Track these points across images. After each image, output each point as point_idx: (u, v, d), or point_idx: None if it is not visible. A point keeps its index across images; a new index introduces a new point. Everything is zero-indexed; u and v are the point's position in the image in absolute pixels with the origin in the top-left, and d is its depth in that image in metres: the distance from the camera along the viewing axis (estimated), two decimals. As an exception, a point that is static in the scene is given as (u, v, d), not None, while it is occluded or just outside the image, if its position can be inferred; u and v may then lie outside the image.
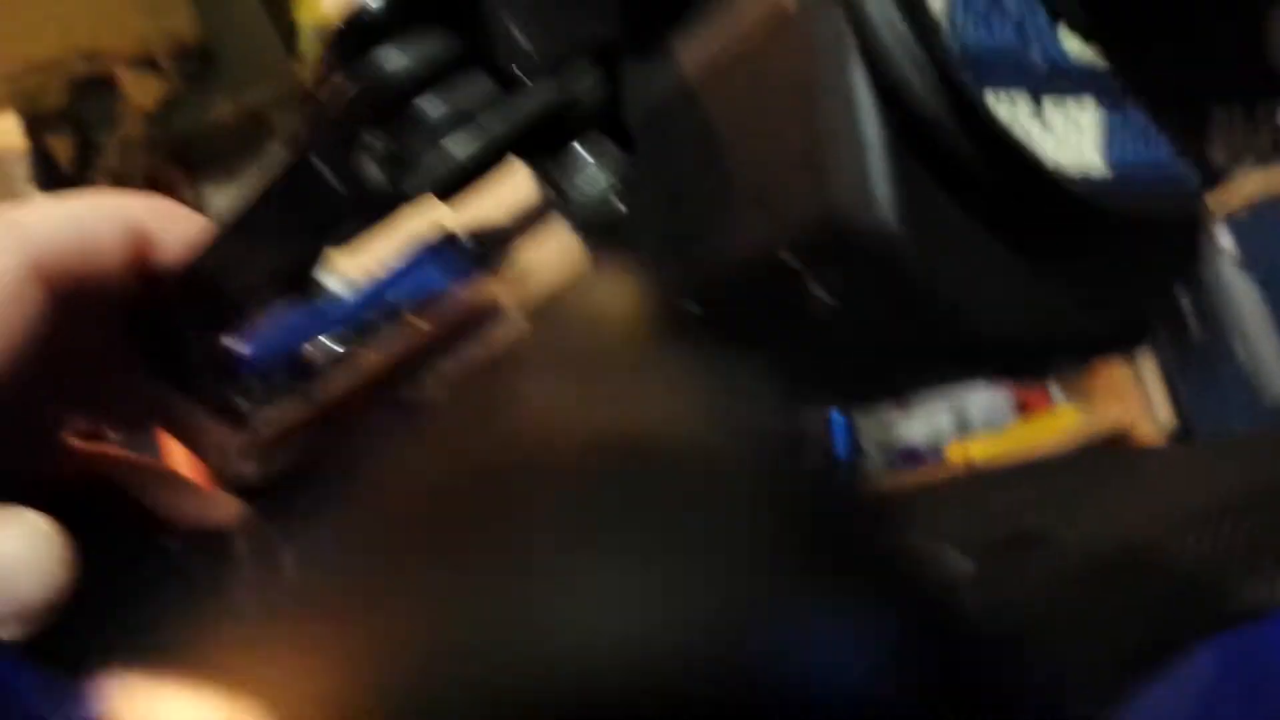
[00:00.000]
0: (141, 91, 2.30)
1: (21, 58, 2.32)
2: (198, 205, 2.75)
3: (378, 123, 0.33)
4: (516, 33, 0.33)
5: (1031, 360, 0.28)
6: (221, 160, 2.65)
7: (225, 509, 0.38)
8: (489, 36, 0.33)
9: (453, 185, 0.34)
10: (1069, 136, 0.25)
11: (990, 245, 0.26)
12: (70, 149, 2.42)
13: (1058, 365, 0.32)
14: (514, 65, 0.33)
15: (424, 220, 0.33)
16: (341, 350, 0.28)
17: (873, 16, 0.24)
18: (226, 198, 2.74)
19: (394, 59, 0.32)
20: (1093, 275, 0.26)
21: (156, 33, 2.23)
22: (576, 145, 0.35)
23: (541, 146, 0.36)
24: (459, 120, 0.33)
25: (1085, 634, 0.54)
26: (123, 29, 2.25)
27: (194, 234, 0.37)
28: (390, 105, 0.32)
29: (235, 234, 0.34)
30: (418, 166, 0.33)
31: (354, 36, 0.32)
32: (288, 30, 2.53)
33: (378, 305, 0.26)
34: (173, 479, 0.40)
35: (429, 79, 0.32)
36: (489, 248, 0.29)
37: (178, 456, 0.42)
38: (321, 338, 0.26)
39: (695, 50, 0.29)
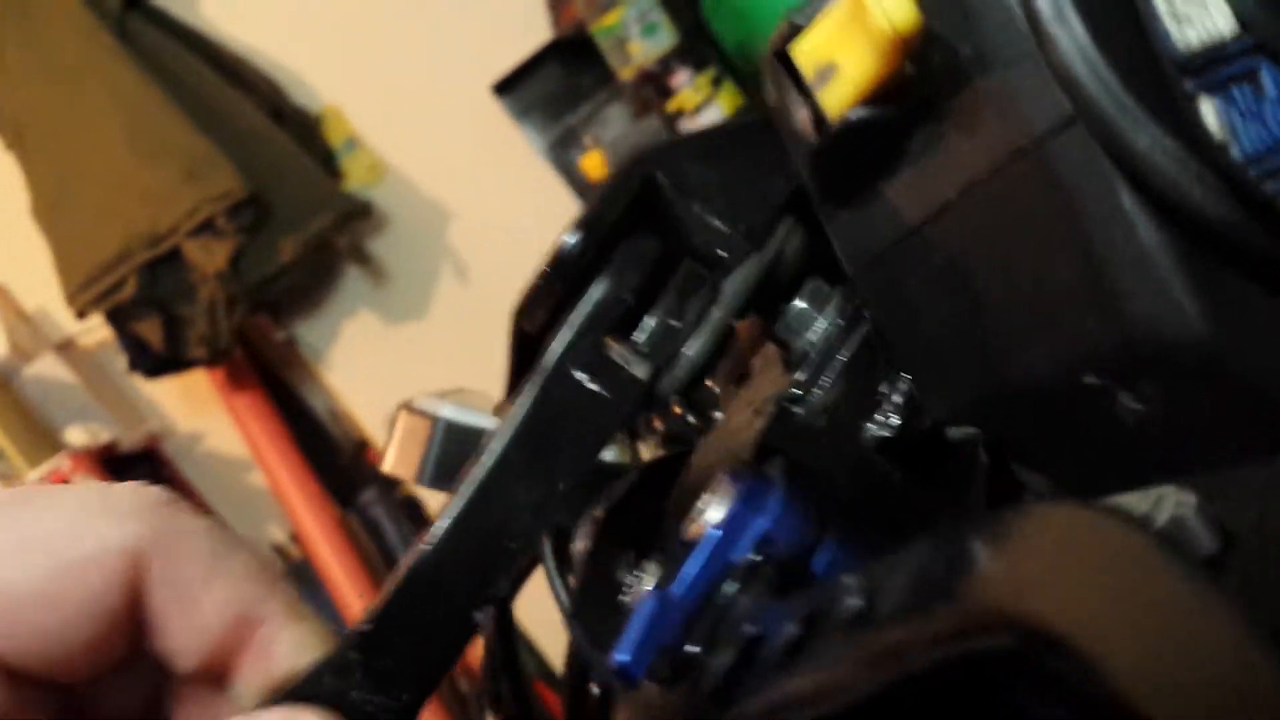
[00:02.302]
0: (208, 257, 2.35)
1: (92, 262, 2.39)
2: (290, 343, 2.82)
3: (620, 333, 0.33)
4: (710, 218, 0.33)
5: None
6: (300, 294, 2.71)
7: None
8: (684, 228, 0.33)
9: (693, 382, 0.34)
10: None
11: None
12: (158, 330, 2.48)
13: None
14: (715, 249, 0.33)
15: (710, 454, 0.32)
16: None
17: (1138, 142, 0.23)
18: (315, 329, 2.80)
19: (609, 284, 0.32)
20: None
21: (208, 198, 2.28)
22: (797, 301, 0.35)
23: (761, 308, 0.36)
24: (680, 321, 0.33)
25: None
26: (176, 205, 2.30)
27: (204, 549, 0.31)
28: (617, 318, 0.32)
29: (488, 492, 0.32)
30: (661, 375, 0.33)
31: (562, 273, 0.32)
32: (324, 156, 2.58)
33: (725, 567, 0.26)
34: None
35: (643, 291, 0.32)
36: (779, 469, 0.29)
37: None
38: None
39: (918, 199, 0.29)
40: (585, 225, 0.31)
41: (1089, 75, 0.23)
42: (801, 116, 0.30)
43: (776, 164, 0.33)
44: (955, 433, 0.33)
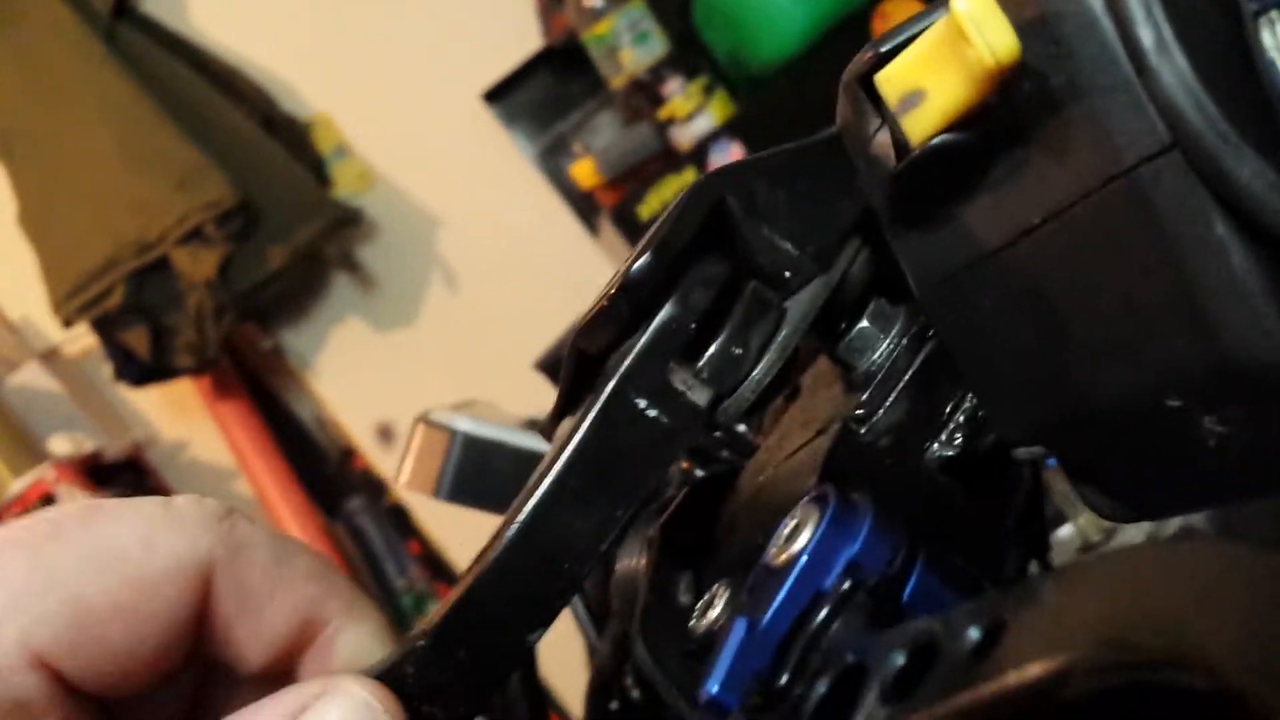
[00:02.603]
0: (196, 265, 2.34)
1: (79, 271, 2.38)
2: (278, 351, 2.80)
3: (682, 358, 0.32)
4: (778, 241, 0.33)
5: None
6: (290, 303, 2.70)
7: None
8: (751, 250, 0.33)
9: (759, 404, 0.34)
10: None
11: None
12: (144, 339, 2.47)
13: None
14: (782, 271, 0.33)
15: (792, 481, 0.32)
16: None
17: (1240, 173, 0.23)
18: (302, 337, 2.79)
19: (675, 309, 0.32)
20: None
21: (197, 206, 2.27)
22: (862, 322, 0.35)
23: (822, 328, 0.36)
24: (744, 347, 0.32)
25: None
26: (165, 213, 2.29)
27: (267, 557, 0.31)
28: (682, 345, 0.32)
29: (545, 515, 0.32)
30: (726, 400, 0.33)
31: (629, 296, 0.32)
32: (314, 164, 2.57)
33: (815, 595, 0.26)
34: None
35: (712, 312, 0.32)
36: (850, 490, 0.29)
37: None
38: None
39: (998, 222, 0.29)
40: (655, 249, 0.31)
41: (1191, 107, 0.23)
42: (881, 141, 0.30)
43: (844, 184, 0.33)
44: (1022, 453, 0.33)
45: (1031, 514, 0.40)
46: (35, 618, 0.28)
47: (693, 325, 0.32)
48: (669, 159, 2.31)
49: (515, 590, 0.31)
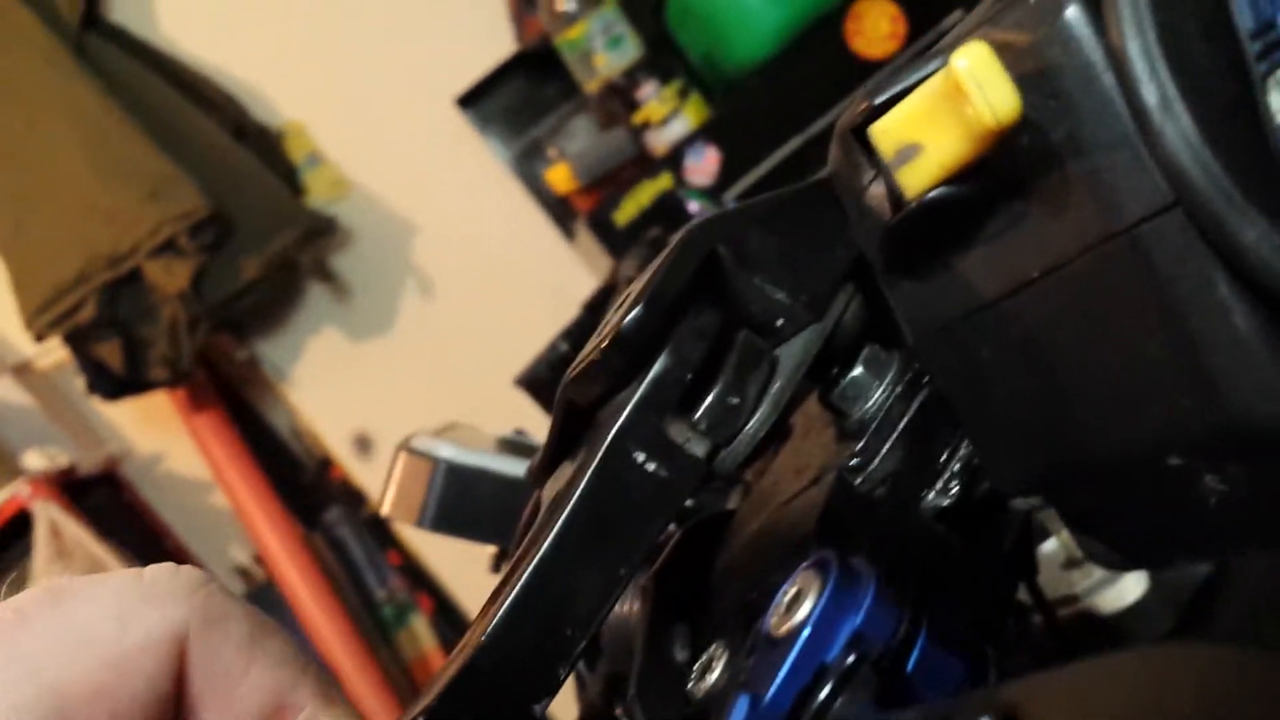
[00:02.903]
0: (170, 277, 2.32)
1: (50, 285, 2.35)
2: (253, 362, 2.78)
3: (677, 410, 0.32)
4: (771, 290, 0.32)
5: None
6: (265, 313, 2.67)
7: None
8: (743, 299, 0.32)
9: (755, 456, 0.33)
10: None
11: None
12: (118, 352, 2.44)
13: None
14: (775, 320, 0.32)
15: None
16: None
17: (1245, 236, 0.23)
18: (278, 347, 2.77)
19: (668, 361, 0.31)
20: None
21: (169, 218, 2.25)
22: (856, 369, 0.34)
23: (819, 376, 0.35)
24: (740, 396, 0.32)
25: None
26: (137, 225, 2.27)
27: (242, 633, 0.30)
28: (675, 399, 0.32)
29: (546, 578, 0.30)
30: (723, 450, 0.32)
31: (622, 349, 0.31)
32: (287, 172, 2.55)
33: (820, 668, 0.25)
34: None
35: (706, 365, 0.32)
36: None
37: None
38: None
39: (995, 275, 0.28)
40: (648, 301, 0.30)
41: (1196, 167, 0.23)
42: (876, 194, 0.29)
43: (836, 231, 0.33)
44: (1020, 502, 0.32)
45: (1022, 552, 0.39)
46: (14, 707, 0.27)
47: (688, 377, 0.31)
48: (644, 163, 2.30)
49: (518, 658, 0.30)
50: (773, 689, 0.25)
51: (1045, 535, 0.83)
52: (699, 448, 0.31)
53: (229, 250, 2.36)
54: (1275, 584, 0.62)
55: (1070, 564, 0.79)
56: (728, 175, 2.15)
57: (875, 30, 2.14)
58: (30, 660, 0.27)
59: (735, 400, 0.32)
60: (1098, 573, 0.76)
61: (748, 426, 0.32)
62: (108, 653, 0.28)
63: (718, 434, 0.32)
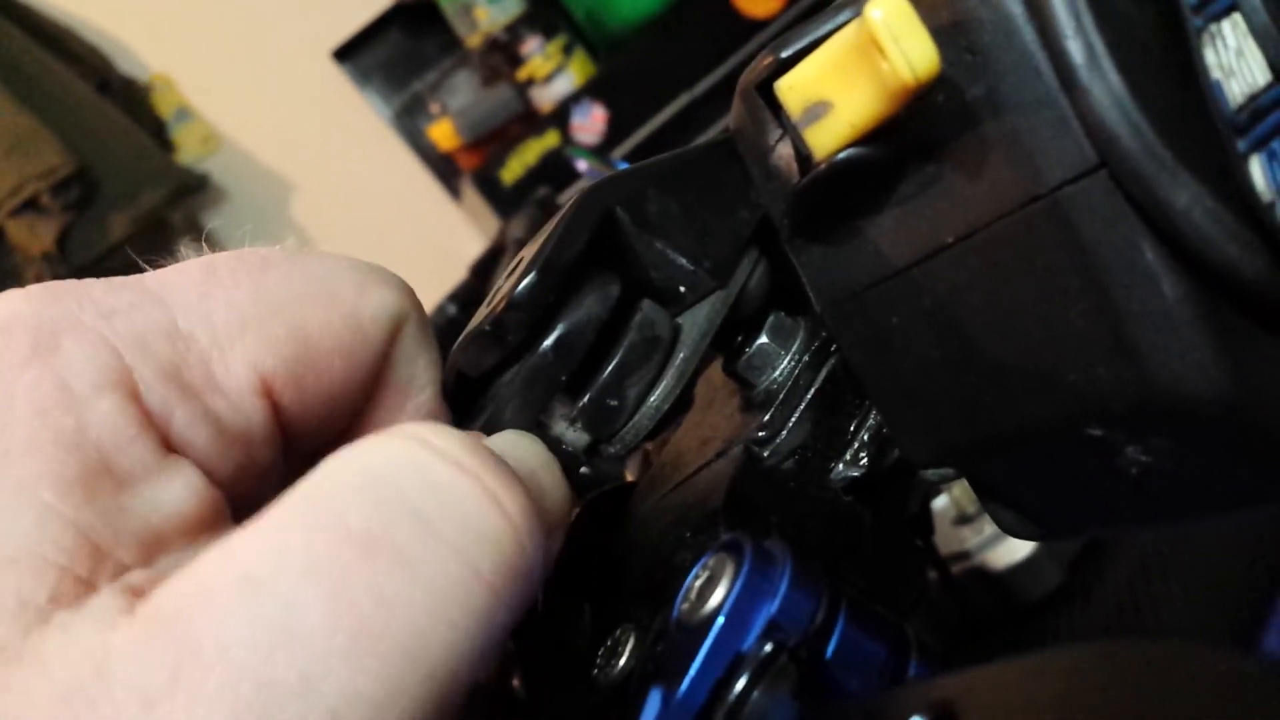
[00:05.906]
0: (33, 237, 2.21)
1: (-99, 245, 2.22)
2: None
3: (565, 389, 0.30)
4: (673, 255, 0.31)
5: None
6: (135, 274, 2.57)
7: None
8: (644, 265, 0.30)
9: (658, 430, 0.32)
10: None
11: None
12: (-23, 316, 2.32)
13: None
14: (678, 286, 0.31)
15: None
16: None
17: (1176, 199, 0.22)
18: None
19: (562, 328, 0.29)
20: None
21: (31, 175, 2.13)
22: (760, 337, 0.33)
23: (723, 345, 0.34)
24: (645, 368, 0.30)
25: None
26: (-5, 183, 2.15)
27: (425, 330, 0.31)
28: (572, 371, 0.30)
29: None
30: (621, 428, 0.31)
31: (513, 320, 0.29)
32: (155, 127, 2.45)
33: (735, 658, 0.24)
34: None
35: (602, 334, 0.30)
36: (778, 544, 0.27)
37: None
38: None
39: (908, 240, 0.27)
40: (541, 268, 0.29)
41: (1125, 127, 0.22)
42: (782, 154, 0.27)
43: (740, 194, 0.31)
44: (931, 474, 0.32)
45: (923, 516, 0.39)
46: (264, 340, 0.26)
47: (582, 351, 0.30)
48: (530, 121, 2.26)
49: None
50: (686, 682, 0.23)
51: (937, 492, 0.83)
52: (579, 439, 0.30)
53: (96, 209, 2.26)
54: (1162, 541, 0.63)
55: (961, 520, 0.79)
56: (615, 133, 2.13)
57: (760, -13, 2.13)
58: (279, 300, 0.27)
59: (614, 402, 0.30)
60: (989, 529, 0.77)
61: (649, 402, 0.31)
62: (348, 311, 0.28)
63: (597, 430, 0.30)
